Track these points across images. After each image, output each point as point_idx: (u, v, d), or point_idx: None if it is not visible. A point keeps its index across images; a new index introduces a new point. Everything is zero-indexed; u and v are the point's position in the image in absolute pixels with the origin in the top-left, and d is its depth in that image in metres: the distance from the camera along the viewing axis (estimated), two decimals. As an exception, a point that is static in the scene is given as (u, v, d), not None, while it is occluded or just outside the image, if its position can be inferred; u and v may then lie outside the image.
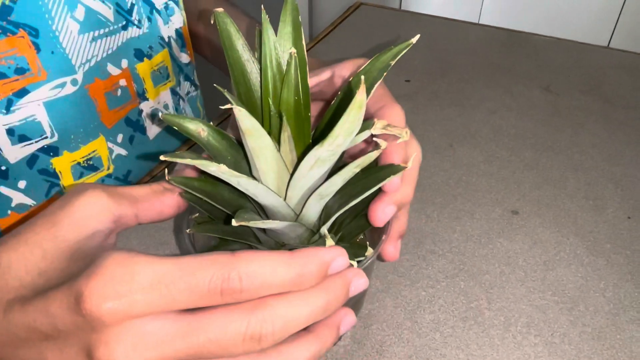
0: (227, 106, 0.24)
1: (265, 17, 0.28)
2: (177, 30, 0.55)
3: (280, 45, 0.29)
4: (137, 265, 0.23)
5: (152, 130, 0.54)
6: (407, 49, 0.30)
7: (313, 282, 0.25)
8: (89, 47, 0.45)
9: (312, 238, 0.31)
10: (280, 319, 0.24)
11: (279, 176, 0.28)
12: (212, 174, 0.26)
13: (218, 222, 0.33)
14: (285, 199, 0.29)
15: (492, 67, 0.69)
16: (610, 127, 0.59)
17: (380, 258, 0.34)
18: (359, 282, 0.27)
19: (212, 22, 0.29)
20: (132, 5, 0.48)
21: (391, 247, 0.34)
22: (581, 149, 0.56)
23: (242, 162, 0.30)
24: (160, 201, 0.30)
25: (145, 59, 0.51)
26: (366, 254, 0.31)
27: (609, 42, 1.51)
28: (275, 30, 0.29)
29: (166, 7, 0.53)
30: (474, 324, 0.39)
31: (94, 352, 0.23)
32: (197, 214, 0.34)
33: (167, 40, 0.54)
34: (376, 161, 0.31)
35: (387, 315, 0.40)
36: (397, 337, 0.38)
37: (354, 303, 0.37)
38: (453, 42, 0.75)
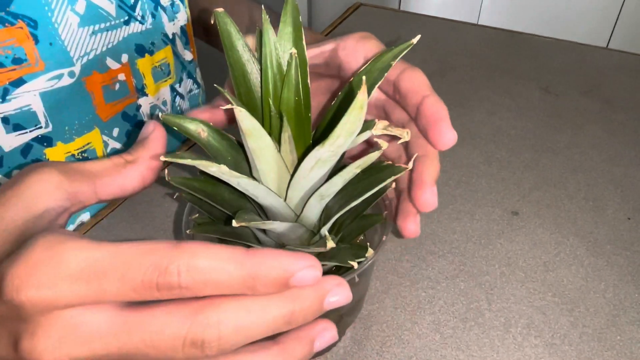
0: (228, 106, 0.24)
1: (265, 18, 0.28)
2: (181, 27, 0.55)
3: (281, 45, 0.29)
4: (66, 251, 0.21)
5: None
6: (408, 49, 0.30)
7: (269, 289, 0.22)
8: (88, 41, 0.45)
9: (313, 239, 0.31)
10: (228, 324, 0.21)
11: (279, 177, 0.28)
12: (213, 174, 0.26)
13: (218, 222, 0.33)
14: (285, 199, 0.29)
15: (492, 68, 0.69)
16: (609, 128, 0.59)
17: (398, 234, 0.33)
18: (338, 294, 0.23)
19: (212, 22, 0.29)
20: (136, 0, 0.48)
21: (412, 224, 0.32)
22: (581, 150, 0.56)
23: (243, 162, 0.30)
24: (122, 175, 0.28)
25: (146, 54, 0.51)
26: (366, 255, 0.31)
27: (608, 43, 1.51)
28: (276, 30, 0.29)
29: (172, 4, 0.53)
30: (474, 325, 0.39)
31: (19, 343, 0.21)
32: (197, 215, 0.34)
33: (171, 37, 0.54)
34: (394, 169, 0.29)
35: (387, 316, 0.39)
36: (397, 338, 0.38)
37: (354, 305, 0.37)
38: (452, 42, 0.75)
